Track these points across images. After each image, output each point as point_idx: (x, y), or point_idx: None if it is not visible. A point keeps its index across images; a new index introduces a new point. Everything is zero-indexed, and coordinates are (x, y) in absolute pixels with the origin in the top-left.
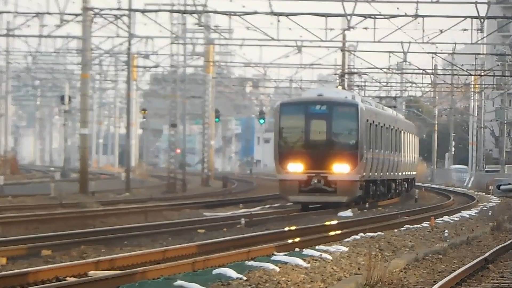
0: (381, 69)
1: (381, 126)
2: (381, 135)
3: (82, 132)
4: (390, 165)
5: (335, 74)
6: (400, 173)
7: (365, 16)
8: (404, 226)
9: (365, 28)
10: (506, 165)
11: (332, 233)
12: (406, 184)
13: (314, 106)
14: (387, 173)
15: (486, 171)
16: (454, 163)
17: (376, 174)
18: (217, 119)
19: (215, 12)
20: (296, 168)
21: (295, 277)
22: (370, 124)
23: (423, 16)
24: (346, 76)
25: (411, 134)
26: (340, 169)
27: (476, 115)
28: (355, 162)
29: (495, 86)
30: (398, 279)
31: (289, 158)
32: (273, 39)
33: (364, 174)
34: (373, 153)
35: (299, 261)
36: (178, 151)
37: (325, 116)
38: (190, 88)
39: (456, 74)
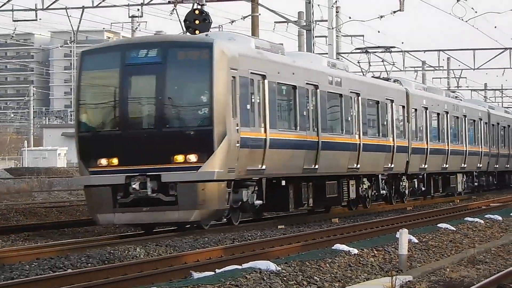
0: None
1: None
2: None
3: None
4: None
5: None
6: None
7: None
8: None
9: None
10: None
11: None
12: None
13: (136, 53)
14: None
15: None
16: None
17: (281, 167)
18: None
19: None
20: (106, 163)
21: None
22: (251, 80)
23: None
24: None
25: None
26: (185, 160)
27: None
28: (211, 148)
29: None
30: None
31: (95, 146)
32: None
33: (248, 168)
34: (276, 129)
35: None
36: None
37: (155, 69)
38: None
39: None
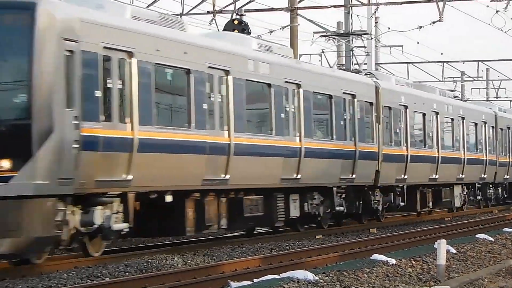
0: None
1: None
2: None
3: None
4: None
5: None
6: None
7: None
8: None
9: None
10: None
11: None
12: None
13: None
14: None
15: None
16: None
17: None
18: None
19: None
20: None
21: None
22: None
23: None
24: None
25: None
26: None
27: None
28: (28, 150)
29: None
30: None
31: None
32: None
33: (98, 179)
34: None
35: None
36: None
37: None
38: None
39: None
